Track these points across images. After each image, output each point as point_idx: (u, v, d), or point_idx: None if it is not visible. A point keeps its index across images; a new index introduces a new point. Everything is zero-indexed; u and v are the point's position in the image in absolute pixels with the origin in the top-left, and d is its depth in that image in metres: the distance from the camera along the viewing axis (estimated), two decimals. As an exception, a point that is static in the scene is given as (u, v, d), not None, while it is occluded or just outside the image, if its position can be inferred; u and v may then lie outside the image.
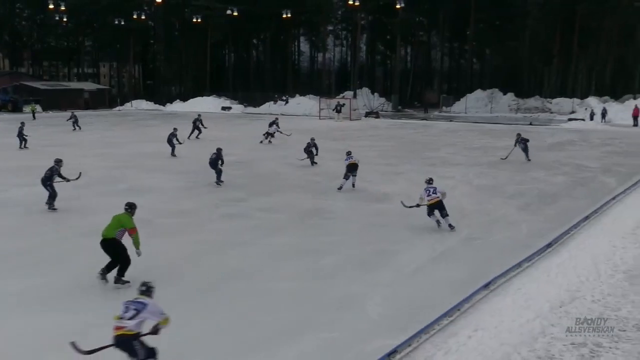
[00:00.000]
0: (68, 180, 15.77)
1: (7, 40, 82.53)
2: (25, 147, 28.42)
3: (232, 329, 8.29)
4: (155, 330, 6.71)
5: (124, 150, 28.44)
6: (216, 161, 19.10)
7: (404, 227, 13.57)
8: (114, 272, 9.87)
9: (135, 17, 68.17)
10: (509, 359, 7.27)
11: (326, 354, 7.61)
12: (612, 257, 11.10)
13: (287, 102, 62.70)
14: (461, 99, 62.58)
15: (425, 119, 52.57)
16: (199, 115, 35.04)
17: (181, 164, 23.75)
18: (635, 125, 41.94)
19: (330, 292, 9.61)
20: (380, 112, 56.95)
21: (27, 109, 52.68)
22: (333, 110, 49.51)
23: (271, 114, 50.27)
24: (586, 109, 50.23)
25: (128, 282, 9.64)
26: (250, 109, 62.77)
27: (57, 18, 71.97)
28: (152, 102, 68.62)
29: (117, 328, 6.54)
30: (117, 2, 70.55)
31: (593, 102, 53.13)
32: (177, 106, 65.89)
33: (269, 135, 31.38)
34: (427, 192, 13.14)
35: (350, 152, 18.84)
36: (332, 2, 74.98)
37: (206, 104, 63.80)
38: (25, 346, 7.82)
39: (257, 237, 12.92)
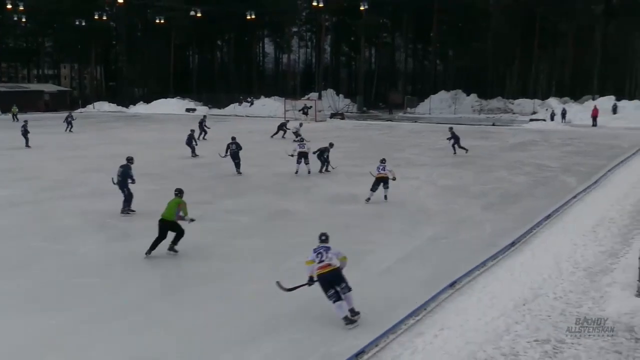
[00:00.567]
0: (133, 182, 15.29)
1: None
2: (28, 146, 29.61)
3: (197, 333, 8.20)
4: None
5: (86, 153, 27.95)
6: (238, 151, 21.39)
7: (371, 228, 13.62)
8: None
9: (96, 17, 66.97)
10: (475, 357, 7.35)
11: (293, 355, 7.58)
12: (573, 255, 11.31)
13: (252, 103, 62.50)
14: (425, 100, 63.26)
15: (390, 120, 52.91)
16: (204, 116, 35.78)
17: (146, 166, 23.40)
18: (594, 125, 42.86)
19: (296, 293, 9.56)
20: (345, 114, 57.16)
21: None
22: (299, 111, 49.53)
23: (236, 115, 50.11)
24: (547, 109, 51.21)
25: (177, 251, 11.52)
26: (215, 111, 62.37)
27: (15, 18, 70.23)
28: (115, 104, 67.67)
29: (324, 267, 8.54)
30: (78, 3, 69.26)
31: (553, 102, 54.24)
32: (140, 108, 65.12)
33: (282, 130, 33.93)
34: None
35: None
36: (296, 3, 74.96)
37: (170, 106, 63.25)
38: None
39: (222, 240, 12.84)
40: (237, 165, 21.50)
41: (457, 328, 8.15)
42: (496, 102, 60.71)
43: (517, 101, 60.14)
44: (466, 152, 26.31)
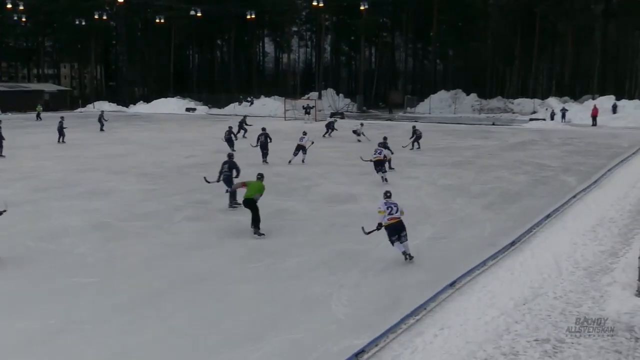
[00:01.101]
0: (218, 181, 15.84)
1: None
2: (63, 141, 31.10)
3: (194, 333, 8.15)
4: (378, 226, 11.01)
5: (85, 152, 27.92)
6: (267, 142, 23.73)
7: (371, 227, 13.57)
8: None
9: (96, 17, 66.94)
10: (475, 356, 7.33)
11: (292, 355, 7.54)
12: (573, 255, 11.29)
13: (252, 103, 62.49)
14: (425, 100, 63.21)
15: (390, 120, 52.86)
16: (245, 116, 36.80)
17: (144, 166, 23.43)
18: (594, 125, 42.87)
19: (295, 293, 9.55)
20: (345, 113, 57.12)
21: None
22: (303, 109, 49.52)
23: (236, 115, 49.94)
24: (547, 109, 51.19)
25: (264, 234, 12.77)
26: (215, 110, 62.37)
27: (15, 18, 70.24)
28: (115, 104, 67.57)
29: (393, 219, 10.84)
30: (78, 2, 69.26)
31: (553, 102, 54.22)
32: (140, 107, 65.10)
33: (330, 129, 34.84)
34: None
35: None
36: (296, 3, 74.93)
37: (170, 106, 63.22)
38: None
39: (220, 239, 12.81)
40: (265, 155, 23.71)
41: (457, 327, 8.13)
42: (496, 102, 60.70)
43: (517, 101, 60.13)
44: (411, 149, 28.11)
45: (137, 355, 7.53)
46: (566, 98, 56.80)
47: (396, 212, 10.87)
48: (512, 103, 59.79)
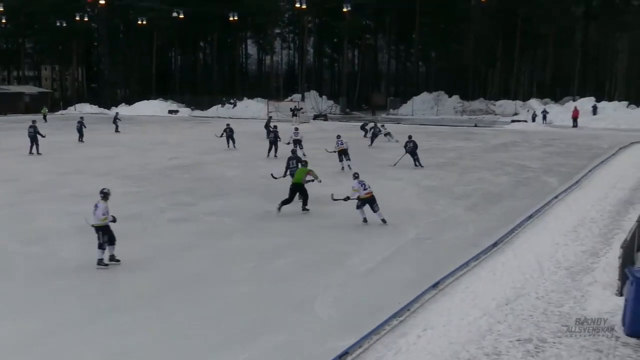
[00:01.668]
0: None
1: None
2: (82, 140, 32.40)
3: (179, 335, 8.12)
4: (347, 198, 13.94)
5: (68, 155, 27.70)
6: (277, 140, 25.72)
7: (355, 229, 13.64)
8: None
9: (77, 18, 66.45)
10: (458, 357, 7.38)
11: (276, 357, 7.55)
12: (554, 255, 11.42)
13: (235, 105, 62.33)
14: (408, 102, 63.51)
15: (373, 122, 52.89)
16: (270, 117, 40.07)
17: (128, 168, 23.29)
18: (575, 126, 43.30)
19: (280, 295, 9.56)
20: (328, 115, 57.20)
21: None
22: (291, 111, 49.38)
23: (219, 117, 50.00)
24: (528, 110, 51.68)
25: (309, 209, 15.16)
26: (198, 112, 62.15)
27: (-6, 19, 69.58)
28: (97, 106, 67.07)
29: (368, 194, 13.60)
30: (59, 3, 68.67)
31: (535, 104, 54.75)
32: (122, 109, 64.37)
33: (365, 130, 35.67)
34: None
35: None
36: (279, 5, 74.91)
37: (152, 108, 62.92)
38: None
39: (205, 241, 12.76)
40: (273, 150, 25.64)
41: (440, 328, 8.19)
42: (478, 104, 61.10)
43: (498, 102, 60.55)
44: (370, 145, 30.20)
45: (137, 356, 7.56)
46: (547, 100, 57.40)
47: (369, 188, 13.70)
48: (494, 105, 60.20)
